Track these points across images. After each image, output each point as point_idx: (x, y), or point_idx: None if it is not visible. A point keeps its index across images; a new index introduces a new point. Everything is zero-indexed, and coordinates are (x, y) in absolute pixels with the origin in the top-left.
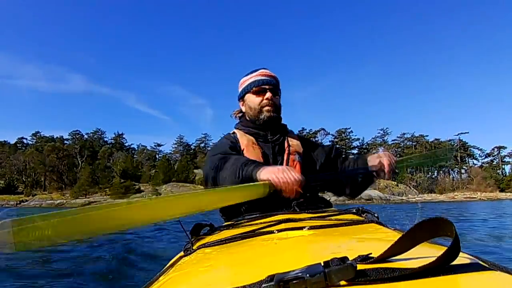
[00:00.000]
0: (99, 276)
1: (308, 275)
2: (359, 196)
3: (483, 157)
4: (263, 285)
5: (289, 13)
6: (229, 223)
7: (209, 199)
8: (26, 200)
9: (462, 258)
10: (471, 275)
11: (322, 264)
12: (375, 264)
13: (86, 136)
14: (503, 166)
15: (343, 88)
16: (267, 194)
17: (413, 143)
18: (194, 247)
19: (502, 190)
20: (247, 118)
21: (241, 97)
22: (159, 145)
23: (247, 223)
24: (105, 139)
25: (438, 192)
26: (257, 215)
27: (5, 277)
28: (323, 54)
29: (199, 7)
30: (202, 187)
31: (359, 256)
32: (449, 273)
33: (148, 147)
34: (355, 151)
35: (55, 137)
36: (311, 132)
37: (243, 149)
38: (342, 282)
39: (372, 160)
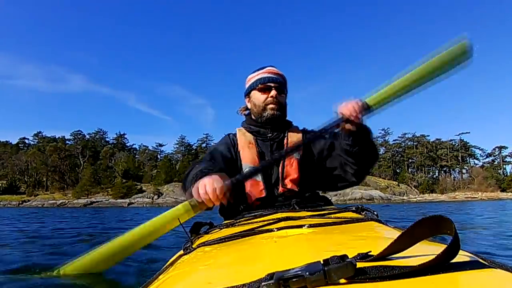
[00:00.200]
0: (97, 275)
1: (307, 273)
2: (360, 196)
3: (484, 157)
4: (262, 283)
5: (290, 13)
6: (229, 221)
7: (135, 239)
8: (28, 200)
9: (462, 256)
10: (471, 273)
11: (322, 262)
12: (374, 262)
13: (88, 136)
14: (504, 166)
15: (344, 88)
16: (195, 212)
17: (414, 143)
18: (194, 246)
19: (503, 190)
20: (252, 115)
21: (247, 94)
22: (160, 145)
23: (247, 222)
24: (107, 139)
25: (439, 192)
26: (257, 213)
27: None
28: (324, 54)
29: (200, 7)
30: None
31: (358, 254)
32: (449, 271)
33: (150, 147)
34: None
35: (57, 137)
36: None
37: (240, 150)
38: (342, 280)
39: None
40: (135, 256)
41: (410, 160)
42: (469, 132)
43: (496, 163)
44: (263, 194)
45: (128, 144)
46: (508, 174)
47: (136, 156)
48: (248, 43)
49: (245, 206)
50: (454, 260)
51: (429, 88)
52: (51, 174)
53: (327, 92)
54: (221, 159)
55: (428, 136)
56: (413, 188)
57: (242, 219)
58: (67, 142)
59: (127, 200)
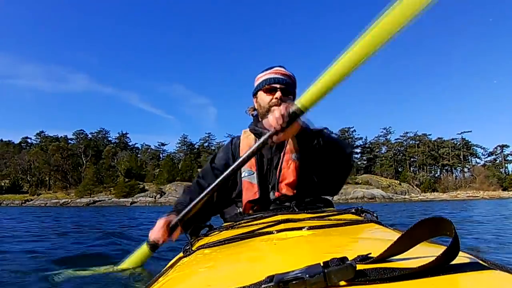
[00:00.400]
0: (94, 276)
1: (307, 275)
2: (362, 195)
3: (486, 156)
4: (262, 286)
5: (292, 12)
6: (228, 223)
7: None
8: (31, 200)
9: (462, 258)
10: (470, 274)
11: (322, 265)
12: (374, 264)
13: (90, 136)
14: (506, 165)
15: (346, 87)
16: (152, 251)
17: (416, 142)
18: (194, 248)
19: (505, 189)
20: (259, 116)
21: (254, 94)
22: (163, 144)
23: (246, 224)
24: (109, 138)
25: (441, 191)
26: (256, 215)
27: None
28: (325, 53)
29: (201, 7)
30: None
31: (358, 256)
32: (449, 273)
33: (152, 147)
34: (358, 150)
35: (59, 136)
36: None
37: (241, 154)
38: (342, 282)
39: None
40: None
41: (412, 159)
42: (471, 131)
43: (498, 162)
44: (257, 198)
45: (130, 144)
46: (510, 173)
47: (139, 155)
48: (250, 43)
49: (241, 210)
50: (454, 262)
51: (432, 87)
52: (54, 173)
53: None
54: (213, 174)
55: (430, 135)
56: (415, 187)
57: (242, 222)
58: (69, 141)
59: (130, 199)
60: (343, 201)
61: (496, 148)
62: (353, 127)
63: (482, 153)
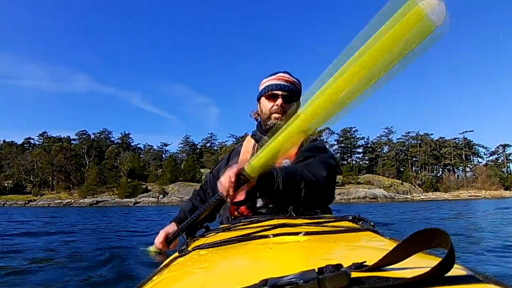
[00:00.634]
0: (90, 274)
1: (301, 281)
2: (364, 195)
3: (488, 155)
4: None
5: (294, 12)
6: (225, 225)
7: None
8: (34, 200)
9: (457, 270)
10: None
11: (316, 271)
12: (369, 272)
13: (92, 136)
14: (508, 164)
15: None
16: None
17: (418, 142)
18: (189, 248)
19: (507, 188)
20: (261, 122)
21: (258, 99)
22: (165, 144)
23: (243, 226)
24: (112, 139)
25: (443, 191)
26: (253, 218)
27: None
28: (328, 53)
29: (203, 6)
30: None
31: (353, 263)
32: (443, 285)
33: (155, 147)
34: (360, 150)
35: (62, 137)
36: (315, 132)
37: (240, 157)
38: None
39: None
40: (130, 255)
41: (413, 159)
42: (472, 131)
43: (500, 161)
44: (241, 201)
45: (133, 144)
46: None
47: (141, 155)
48: (253, 42)
49: (230, 213)
50: (448, 274)
51: (433, 86)
52: (57, 173)
53: None
54: (210, 183)
55: (431, 134)
56: (417, 187)
57: (239, 224)
58: (72, 142)
59: (133, 200)
60: (345, 201)
61: (498, 147)
62: (355, 127)
63: (484, 153)
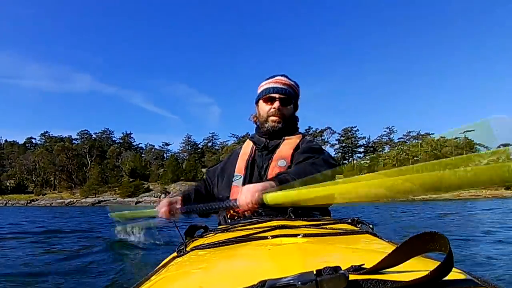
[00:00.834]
0: (88, 272)
1: (299, 282)
2: None
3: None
4: None
5: (296, 12)
6: (224, 226)
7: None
8: (36, 200)
9: (455, 274)
10: None
11: (315, 273)
12: (367, 275)
13: (94, 136)
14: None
15: (350, 87)
16: (155, 214)
17: (419, 141)
18: (188, 249)
19: (507, 188)
20: (260, 125)
21: (257, 102)
22: (167, 144)
23: (242, 227)
24: (113, 138)
25: None
26: (252, 220)
27: None
28: (329, 53)
29: (204, 6)
30: None
31: (352, 266)
32: None
33: (156, 146)
34: (361, 150)
35: (63, 136)
36: (317, 131)
37: (239, 159)
38: None
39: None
40: (129, 254)
41: (414, 158)
42: (474, 130)
43: (500, 161)
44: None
45: (134, 144)
46: None
47: (143, 155)
48: (254, 41)
49: (227, 214)
50: (447, 278)
51: (434, 86)
52: (59, 173)
53: (334, 91)
54: (211, 178)
55: (432, 134)
56: None
57: (238, 225)
58: (73, 141)
59: (135, 199)
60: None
61: (499, 146)
62: (356, 126)
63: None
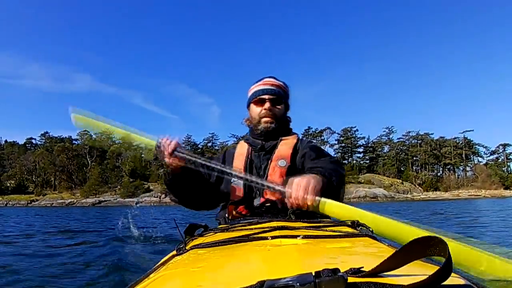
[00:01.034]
0: (89, 270)
1: (298, 283)
2: (364, 194)
3: (488, 155)
4: None
5: (295, 11)
6: (224, 226)
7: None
8: (37, 200)
9: (454, 279)
10: None
11: (313, 274)
12: (366, 278)
13: (94, 136)
14: (508, 164)
15: (349, 87)
16: (154, 147)
17: (418, 141)
18: (187, 247)
19: (507, 188)
20: (252, 127)
21: (248, 106)
22: None
23: (242, 227)
24: (113, 138)
25: (443, 190)
26: (252, 220)
27: None
28: (329, 53)
29: (205, 6)
30: None
31: (350, 268)
32: None
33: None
34: (360, 150)
35: (63, 137)
36: (316, 132)
37: (234, 161)
38: None
39: (290, 188)
40: (128, 252)
41: (414, 158)
42: (473, 130)
43: (500, 160)
44: (239, 200)
45: (134, 144)
46: None
47: (143, 155)
48: (254, 41)
49: (228, 214)
50: (445, 283)
51: (433, 86)
52: (59, 173)
53: (333, 91)
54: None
55: (432, 134)
56: (417, 186)
57: (238, 225)
58: (73, 142)
59: (135, 199)
60: (346, 200)
61: (498, 147)
62: (355, 126)
63: (484, 152)
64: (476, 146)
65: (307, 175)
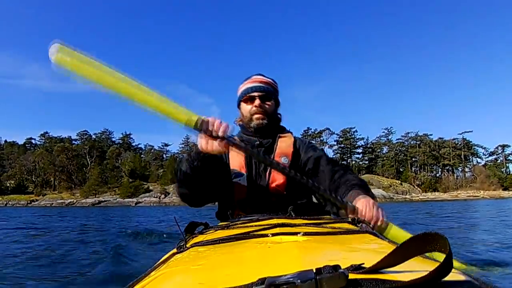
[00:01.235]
0: (90, 269)
1: (299, 280)
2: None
3: (487, 156)
4: None
5: (295, 11)
6: (224, 223)
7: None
8: (37, 200)
9: (455, 274)
10: None
11: (314, 271)
12: (367, 274)
13: (94, 136)
14: (507, 165)
15: (348, 87)
16: (192, 125)
17: (417, 142)
18: (188, 245)
19: (505, 189)
20: (245, 126)
21: (238, 105)
22: (166, 145)
23: (242, 225)
24: (113, 139)
25: (442, 191)
26: (252, 217)
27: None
28: (328, 54)
29: (205, 5)
30: None
31: (351, 265)
32: None
33: (156, 147)
34: (359, 150)
35: (63, 137)
36: (316, 132)
37: (229, 155)
38: None
39: (359, 205)
40: (129, 251)
41: (413, 159)
42: (472, 131)
43: (499, 161)
44: (245, 197)
45: (134, 144)
46: (511, 172)
47: (142, 155)
48: (254, 41)
49: (231, 212)
50: (446, 279)
51: (432, 87)
52: (59, 174)
53: (332, 91)
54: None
55: (431, 135)
56: (416, 187)
57: (238, 222)
58: (73, 142)
59: (135, 200)
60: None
61: (497, 148)
62: (354, 127)
63: (483, 153)
64: (475, 147)
65: (364, 195)
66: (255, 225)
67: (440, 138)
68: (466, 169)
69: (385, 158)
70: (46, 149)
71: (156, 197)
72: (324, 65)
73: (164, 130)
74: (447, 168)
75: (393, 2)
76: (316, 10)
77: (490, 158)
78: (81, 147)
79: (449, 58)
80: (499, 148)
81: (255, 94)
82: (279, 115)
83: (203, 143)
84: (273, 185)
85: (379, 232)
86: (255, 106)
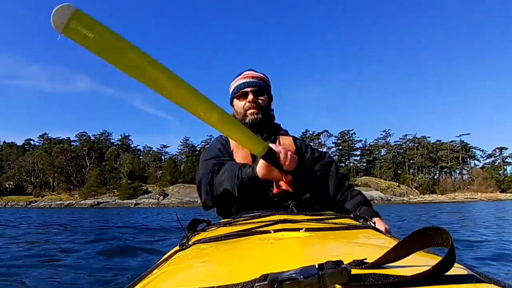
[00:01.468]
0: (95, 266)
1: (302, 276)
2: None
3: (484, 158)
4: (256, 284)
5: (295, 14)
6: (226, 220)
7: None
8: (35, 201)
9: (457, 269)
10: (464, 287)
11: (317, 267)
12: (369, 269)
13: (93, 138)
14: (505, 167)
15: (347, 90)
16: (261, 154)
17: (415, 145)
18: (190, 242)
19: (503, 191)
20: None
21: (231, 102)
22: (165, 146)
23: (244, 222)
24: (112, 140)
25: (439, 193)
26: (255, 214)
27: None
28: (327, 56)
29: (205, 6)
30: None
31: (354, 260)
32: (443, 283)
33: (154, 149)
34: (357, 153)
35: (62, 138)
36: (314, 134)
37: (233, 150)
38: (336, 286)
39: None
40: (131, 249)
41: (411, 161)
42: (469, 134)
43: (496, 164)
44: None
45: (132, 145)
46: (508, 175)
47: (141, 157)
48: (253, 42)
49: (237, 207)
50: (449, 273)
51: (430, 90)
52: (58, 175)
53: (331, 94)
54: (215, 162)
55: (428, 137)
56: (414, 189)
57: (240, 219)
58: (72, 143)
59: (134, 201)
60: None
61: (494, 150)
62: (352, 129)
63: (480, 156)
64: (473, 150)
65: (378, 218)
66: (257, 222)
67: (438, 140)
68: (464, 172)
69: (383, 160)
70: (45, 150)
71: (155, 199)
72: (323, 68)
73: (163, 132)
74: (444, 170)
75: (393, 5)
76: (315, 12)
77: (487, 160)
78: (80, 149)
79: (447, 61)
80: (497, 150)
81: (248, 89)
82: (272, 110)
83: (265, 171)
84: (281, 182)
85: None
86: (249, 102)
